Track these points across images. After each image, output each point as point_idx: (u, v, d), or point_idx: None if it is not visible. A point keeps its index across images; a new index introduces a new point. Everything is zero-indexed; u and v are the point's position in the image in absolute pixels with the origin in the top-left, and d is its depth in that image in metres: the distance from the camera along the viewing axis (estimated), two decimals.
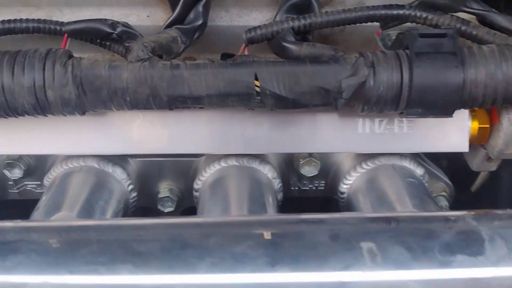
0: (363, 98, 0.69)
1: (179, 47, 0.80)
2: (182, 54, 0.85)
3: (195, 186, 0.89)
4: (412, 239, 0.50)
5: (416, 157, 0.90)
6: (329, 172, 0.94)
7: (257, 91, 0.69)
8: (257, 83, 0.69)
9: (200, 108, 0.74)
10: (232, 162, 0.87)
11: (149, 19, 0.89)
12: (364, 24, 0.88)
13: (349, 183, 0.89)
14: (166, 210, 0.94)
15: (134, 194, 0.90)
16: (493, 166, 0.88)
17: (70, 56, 0.71)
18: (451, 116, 0.70)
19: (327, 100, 0.70)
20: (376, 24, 0.83)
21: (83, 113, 0.72)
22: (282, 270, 0.47)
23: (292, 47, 0.76)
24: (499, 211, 0.56)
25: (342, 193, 0.90)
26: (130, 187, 0.89)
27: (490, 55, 0.68)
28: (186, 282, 0.46)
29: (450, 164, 1.05)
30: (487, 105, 0.69)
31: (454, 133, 0.79)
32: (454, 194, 0.96)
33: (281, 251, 0.49)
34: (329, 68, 0.69)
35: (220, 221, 0.56)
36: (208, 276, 0.45)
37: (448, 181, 0.95)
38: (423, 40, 0.69)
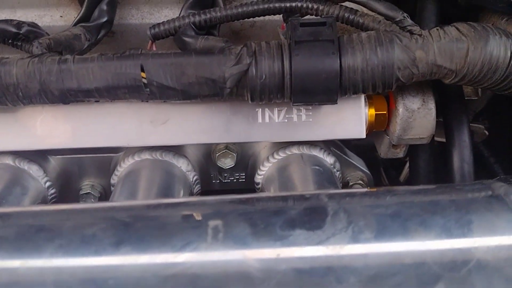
0: (249, 87, 0.71)
1: (82, 44, 0.81)
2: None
3: (112, 181, 0.90)
4: (260, 216, 0.52)
5: (328, 147, 0.92)
6: (248, 164, 0.96)
7: (144, 83, 0.71)
8: (144, 75, 0.71)
9: (96, 101, 0.76)
10: (146, 155, 0.89)
11: (63, 19, 0.92)
12: (272, 18, 0.90)
13: (262, 174, 0.91)
14: None
15: (52, 191, 0.91)
16: (399, 153, 0.89)
17: None
18: (336, 103, 0.72)
19: (216, 91, 0.72)
20: None
21: None
22: (125, 249, 0.48)
23: (190, 40, 0.78)
24: (361, 190, 0.58)
25: (258, 183, 0.92)
26: (48, 184, 0.90)
27: (367, 41, 0.70)
28: (29, 266, 0.47)
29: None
30: (368, 91, 0.71)
31: (351, 120, 0.81)
32: (372, 183, 0.98)
33: (129, 232, 0.51)
34: (214, 59, 0.71)
35: (84, 207, 0.58)
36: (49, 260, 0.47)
37: (366, 170, 0.97)
38: (303, 29, 0.70)
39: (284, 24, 0.86)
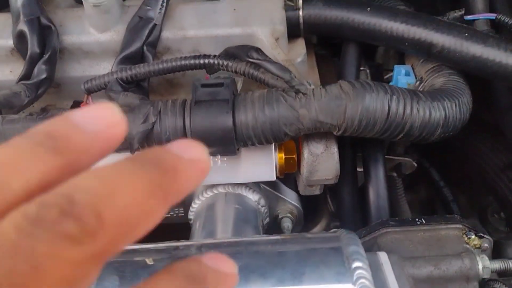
0: (156, 143, 0.80)
1: (22, 101, 0.91)
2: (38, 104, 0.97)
3: None
4: (130, 269, 0.60)
5: (258, 184, 1.00)
6: (185, 200, 1.05)
7: None
8: None
9: None
10: None
11: (12, 74, 1.01)
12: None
13: (193, 210, 0.99)
14: None
15: None
16: (315, 190, 0.96)
17: None
18: (235, 154, 0.80)
19: (127, 146, 0.81)
20: None
21: None
22: None
23: (114, 96, 0.87)
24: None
25: (190, 219, 1.00)
26: None
27: (257, 99, 0.78)
28: None
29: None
30: (262, 143, 0.79)
31: (262, 164, 0.89)
32: (302, 215, 1.05)
33: None
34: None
35: None
36: None
37: (296, 204, 1.05)
38: (203, 89, 0.79)
39: (208, 75, 0.94)
